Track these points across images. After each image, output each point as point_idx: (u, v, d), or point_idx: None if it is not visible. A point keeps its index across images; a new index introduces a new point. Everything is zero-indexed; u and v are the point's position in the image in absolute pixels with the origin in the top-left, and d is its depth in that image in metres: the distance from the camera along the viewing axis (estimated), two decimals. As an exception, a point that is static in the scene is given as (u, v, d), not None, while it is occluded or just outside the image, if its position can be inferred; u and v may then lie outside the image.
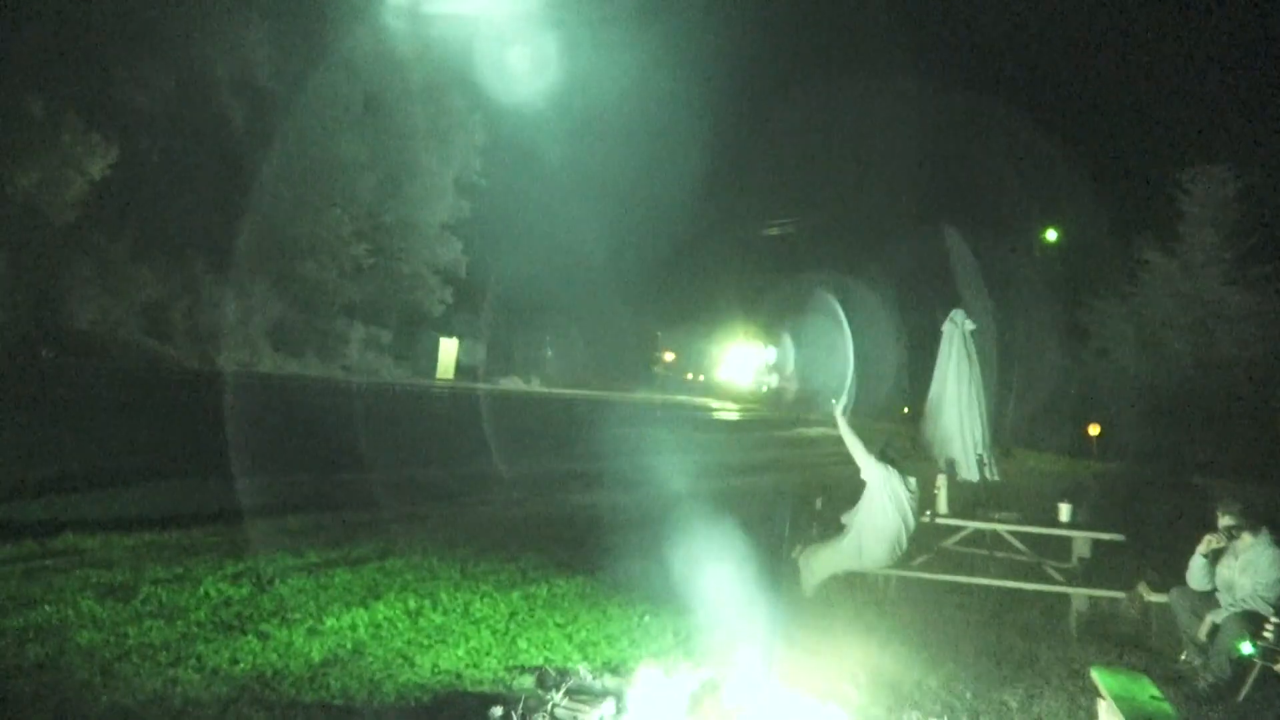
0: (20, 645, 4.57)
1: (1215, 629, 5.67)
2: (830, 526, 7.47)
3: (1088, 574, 7.35)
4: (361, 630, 5.43)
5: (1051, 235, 31.24)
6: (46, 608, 5.12)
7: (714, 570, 6.38)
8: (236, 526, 7.58)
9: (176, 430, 12.93)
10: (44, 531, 6.55)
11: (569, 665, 5.10)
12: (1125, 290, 28.32)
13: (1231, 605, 5.70)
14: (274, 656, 4.88)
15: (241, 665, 4.71)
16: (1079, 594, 7.01)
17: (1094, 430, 25.06)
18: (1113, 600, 6.99)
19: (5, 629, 4.75)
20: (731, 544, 6.90)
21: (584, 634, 5.82)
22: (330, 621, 5.49)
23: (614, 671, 5.04)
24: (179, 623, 5.18)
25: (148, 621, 5.12)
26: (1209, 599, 5.90)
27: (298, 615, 5.53)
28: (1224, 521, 5.92)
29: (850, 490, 7.35)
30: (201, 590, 5.77)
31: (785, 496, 7.42)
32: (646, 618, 6.26)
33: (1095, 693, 5.08)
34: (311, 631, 5.30)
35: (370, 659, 5.01)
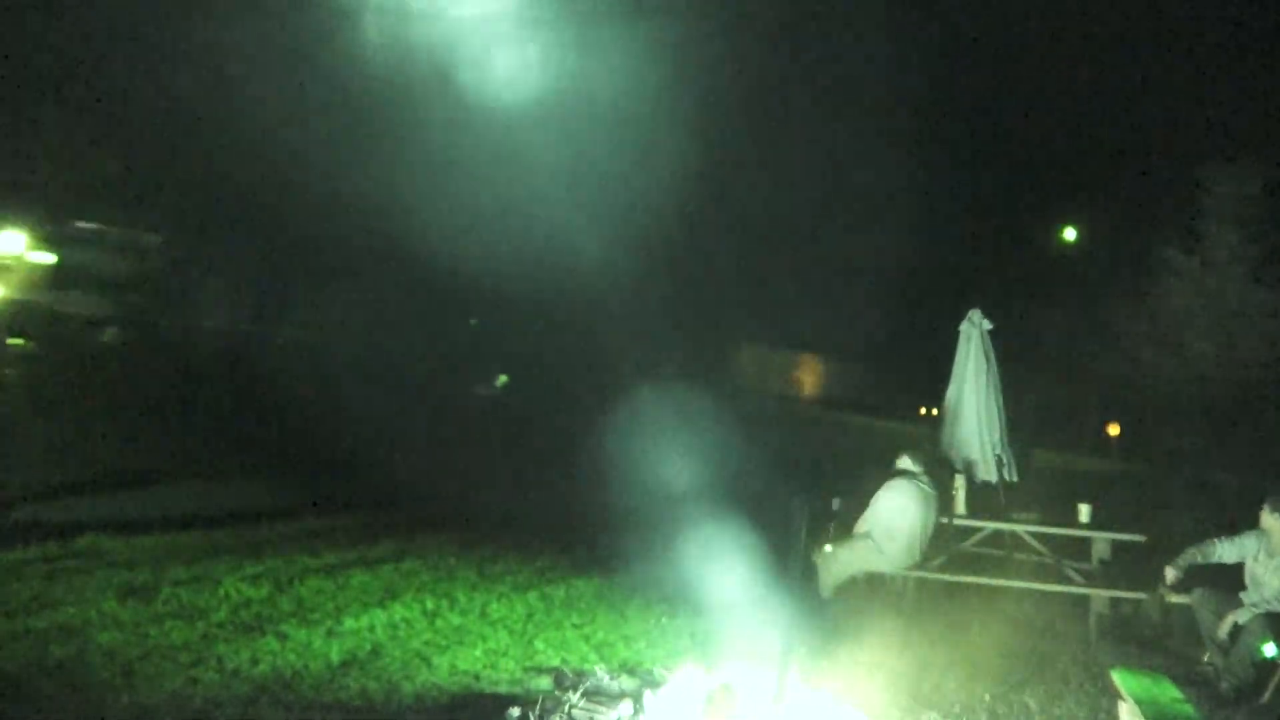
0: (44, 645, 4.62)
1: (1236, 630, 5.61)
2: (848, 527, 7.45)
3: (1108, 575, 7.29)
4: (379, 631, 5.46)
5: (1070, 234, 30.99)
6: (69, 608, 5.18)
7: (731, 571, 6.37)
8: (255, 527, 7.64)
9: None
10: (66, 533, 6.62)
11: (586, 666, 5.10)
12: (1145, 289, 28.03)
13: (1254, 606, 5.64)
14: (293, 657, 4.91)
15: (261, 666, 4.75)
16: (1099, 595, 6.95)
17: (1114, 430, 24.86)
18: (1134, 601, 6.94)
19: (29, 629, 4.81)
20: (748, 545, 6.88)
21: (601, 635, 5.83)
22: (348, 622, 5.52)
23: (631, 673, 5.04)
24: (199, 623, 5.23)
25: (168, 622, 5.17)
26: (1233, 600, 5.84)
27: (316, 616, 5.57)
28: (1268, 520, 5.82)
29: (869, 490, 7.32)
30: (221, 591, 5.81)
31: (802, 497, 7.38)
32: (664, 619, 6.26)
33: (1116, 695, 5.04)
34: (330, 632, 5.33)
35: (388, 660, 5.04)
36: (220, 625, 5.25)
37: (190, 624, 5.20)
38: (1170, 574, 6.16)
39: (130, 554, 6.44)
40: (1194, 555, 6.10)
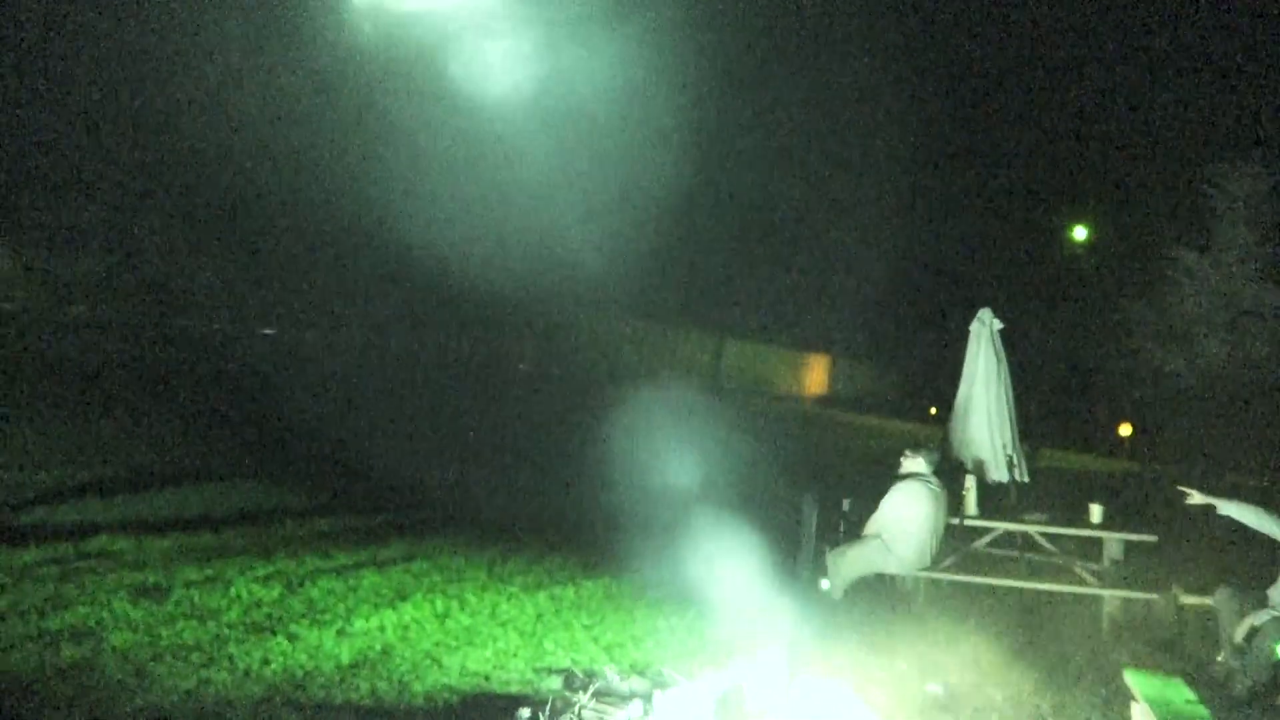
0: (57, 646, 4.65)
1: (1254, 632, 5.57)
2: (857, 528, 7.43)
3: (1120, 575, 7.26)
4: (390, 632, 5.47)
5: (1080, 233, 30.91)
6: (82, 609, 5.20)
7: (740, 572, 6.37)
8: (266, 528, 7.66)
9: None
10: (79, 534, 6.65)
11: (595, 667, 5.11)
12: (1156, 288, 27.95)
13: (1273, 608, 5.59)
14: (304, 658, 4.93)
15: (272, 666, 4.77)
16: (1111, 596, 6.92)
17: (1125, 430, 24.78)
18: (1146, 602, 6.90)
19: (43, 630, 4.83)
20: (757, 545, 6.88)
21: (610, 636, 5.83)
22: (359, 623, 5.54)
23: (641, 673, 5.04)
24: (211, 624, 5.25)
25: (180, 623, 5.19)
26: (1258, 600, 5.77)
27: (327, 617, 5.58)
28: None
29: (878, 491, 7.30)
30: (233, 592, 5.84)
31: (812, 497, 7.38)
32: (673, 619, 6.26)
33: (1129, 696, 5.02)
34: (341, 633, 5.35)
35: (399, 660, 5.05)
36: (232, 626, 5.27)
37: (202, 624, 5.22)
38: (1198, 496, 5.92)
39: (141, 555, 6.46)
40: (1250, 513, 5.79)
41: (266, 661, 4.81)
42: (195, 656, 4.75)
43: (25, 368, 12.96)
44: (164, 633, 5.02)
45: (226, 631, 5.17)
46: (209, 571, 6.21)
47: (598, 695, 4.53)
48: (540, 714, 4.30)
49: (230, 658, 4.79)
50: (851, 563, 6.98)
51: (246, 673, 4.64)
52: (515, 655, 5.32)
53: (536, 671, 5.10)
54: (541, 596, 6.52)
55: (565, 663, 5.24)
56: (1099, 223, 30.74)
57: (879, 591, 7.27)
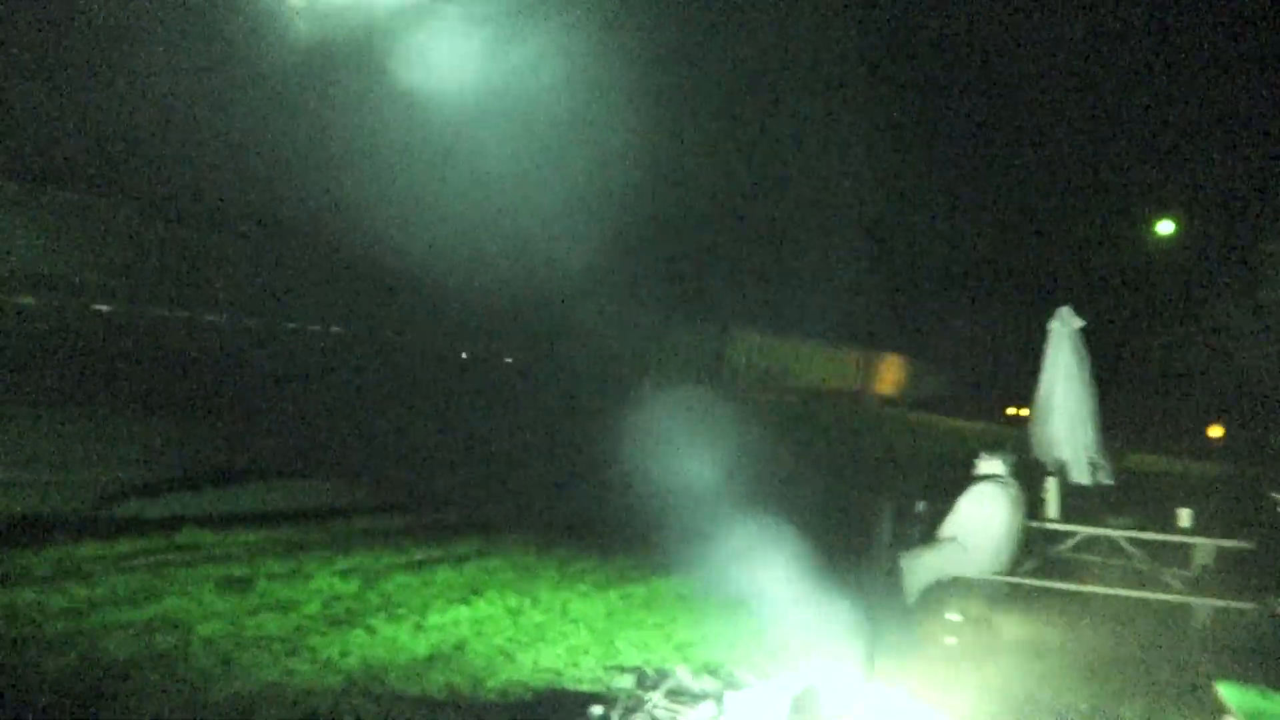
0: (149, 635, 4.83)
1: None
2: (932, 531, 7.29)
3: (1211, 583, 6.98)
4: (464, 627, 5.55)
5: (1167, 227, 29.78)
6: (171, 600, 5.39)
7: (814, 574, 6.30)
8: (343, 524, 7.84)
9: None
10: (169, 527, 6.90)
11: (667, 666, 5.10)
12: (1249, 284, 26.76)
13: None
14: (381, 651, 5.03)
15: (351, 658, 4.88)
16: (1202, 604, 6.66)
17: (1216, 432, 23.82)
18: (1240, 611, 6.62)
19: (135, 620, 5.03)
20: (831, 547, 6.79)
21: (681, 635, 5.82)
22: (434, 618, 5.63)
23: (713, 673, 5.01)
24: (293, 615, 5.39)
25: (264, 614, 5.35)
26: None
27: (403, 611, 5.69)
28: None
29: (953, 493, 7.15)
30: (313, 585, 5.99)
31: (887, 499, 7.26)
32: (744, 620, 6.22)
33: (1221, 709, 4.81)
34: (417, 627, 5.45)
35: (473, 655, 5.12)
36: (312, 618, 5.41)
37: (284, 616, 5.37)
38: None
39: (226, 548, 6.68)
40: None
41: (346, 653, 4.93)
42: (278, 647, 4.89)
43: (106, 369, 13.47)
44: (248, 623, 5.18)
45: (307, 623, 5.31)
46: (290, 565, 6.39)
47: (669, 694, 4.52)
48: (612, 712, 4.31)
49: (312, 649, 4.92)
50: (926, 567, 6.84)
51: (327, 664, 4.76)
52: (587, 653, 5.35)
53: (608, 669, 5.12)
54: (612, 594, 6.54)
55: (637, 661, 5.25)
56: (1188, 217, 29.58)
57: (957, 595, 7.10)
